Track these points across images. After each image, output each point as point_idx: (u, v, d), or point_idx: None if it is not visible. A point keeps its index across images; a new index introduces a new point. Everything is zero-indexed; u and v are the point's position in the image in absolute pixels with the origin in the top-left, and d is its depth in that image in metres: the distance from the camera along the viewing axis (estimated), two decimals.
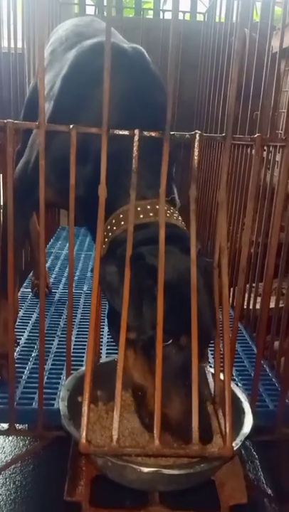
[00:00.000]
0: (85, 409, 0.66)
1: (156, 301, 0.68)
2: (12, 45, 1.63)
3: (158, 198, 0.83)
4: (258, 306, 1.42)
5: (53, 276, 1.81)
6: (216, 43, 2.06)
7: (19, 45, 1.71)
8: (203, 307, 0.76)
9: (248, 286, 1.47)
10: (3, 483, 1.11)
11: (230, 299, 1.39)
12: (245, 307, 1.45)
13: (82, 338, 1.30)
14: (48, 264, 1.92)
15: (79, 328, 1.38)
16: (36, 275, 1.70)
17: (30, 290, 1.65)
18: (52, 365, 1.16)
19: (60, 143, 0.86)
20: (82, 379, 0.86)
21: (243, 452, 1.15)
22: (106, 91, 0.73)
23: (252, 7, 1.73)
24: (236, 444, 0.68)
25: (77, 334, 1.34)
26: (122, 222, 0.86)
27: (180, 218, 0.91)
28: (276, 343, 1.22)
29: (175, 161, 0.98)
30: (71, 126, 0.77)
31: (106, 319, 0.87)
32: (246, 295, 1.46)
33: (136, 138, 0.77)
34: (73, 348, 1.23)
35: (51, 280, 1.75)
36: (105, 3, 0.76)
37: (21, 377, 1.08)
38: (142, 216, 0.85)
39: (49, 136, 0.95)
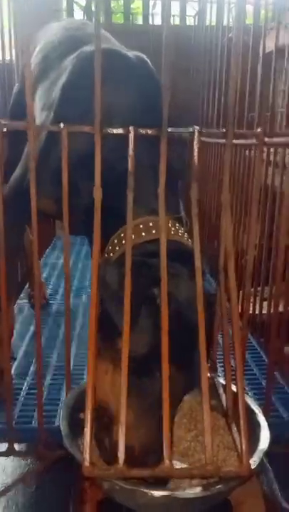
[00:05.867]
0: (87, 428, 0.60)
1: (155, 316, 0.63)
2: (0, 57, 1.60)
3: (170, 213, 0.78)
4: (264, 311, 1.38)
5: (50, 287, 1.76)
6: (208, 46, 2.04)
7: (7, 56, 1.69)
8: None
9: (252, 290, 1.42)
10: (5, 506, 1.05)
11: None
12: (250, 312, 1.40)
13: (83, 349, 1.25)
14: (44, 275, 1.87)
15: (79, 339, 1.33)
16: (32, 286, 1.65)
17: (27, 301, 1.60)
18: (52, 379, 1.10)
19: (60, 153, 0.82)
20: (84, 394, 0.81)
21: None
22: (97, 88, 0.70)
23: (244, 10, 1.71)
24: (254, 461, 0.63)
25: (77, 346, 1.29)
26: (134, 236, 0.78)
27: (189, 239, 0.85)
28: (287, 349, 1.17)
29: (181, 177, 0.93)
30: (61, 125, 0.72)
31: None
32: (251, 299, 1.41)
33: (131, 135, 0.73)
34: (74, 361, 1.18)
35: (48, 291, 1.70)
36: (94, 8, 0.73)
37: (19, 393, 1.03)
38: (154, 232, 0.78)
39: (48, 145, 0.90)
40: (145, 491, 0.59)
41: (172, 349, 0.62)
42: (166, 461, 0.59)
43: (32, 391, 1.04)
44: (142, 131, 0.73)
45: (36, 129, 0.72)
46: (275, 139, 0.81)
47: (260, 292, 1.40)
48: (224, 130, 0.72)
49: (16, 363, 1.17)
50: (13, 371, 1.12)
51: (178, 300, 0.69)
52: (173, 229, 0.79)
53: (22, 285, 1.73)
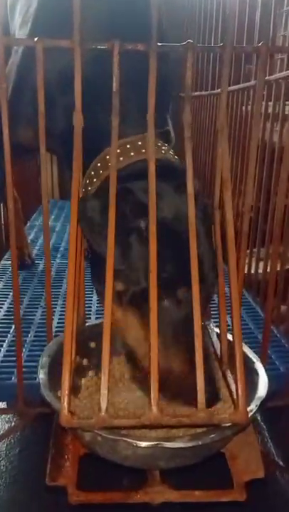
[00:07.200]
0: (65, 374, 0.54)
1: (148, 244, 0.56)
2: None
3: (156, 128, 0.71)
4: (259, 271, 1.32)
5: (37, 247, 1.69)
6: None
7: None
8: (203, 255, 0.64)
9: (248, 251, 1.35)
10: None
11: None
12: (246, 272, 1.34)
13: None
14: (31, 237, 1.80)
15: (65, 298, 1.26)
16: (17, 245, 1.57)
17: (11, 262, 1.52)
18: (35, 336, 1.04)
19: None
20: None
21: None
22: None
23: None
24: (251, 409, 0.56)
25: (62, 305, 1.22)
26: (122, 158, 0.71)
27: (175, 156, 0.78)
28: (283, 307, 1.11)
29: (171, 90, 0.84)
30: (36, 38, 0.63)
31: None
32: (247, 260, 1.34)
33: (116, 51, 0.64)
34: (59, 320, 1.11)
35: (35, 251, 1.63)
36: None
37: None
38: (132, 154, 0.72)
39: (28, 65, 0.81)
40: (130, 441, 0.52)
41: (176, 270, 0.60)
42: (154, 409, 0.52)
43: (12, 348, 0.97)
44: (129, 46, 0.64)
45: (6, 42, 0.63)
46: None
47: (257, 252, 1.34)
48: (221, 44, 0.64)
49: None
50: None
51: (166, 218, 0.63)
52: (164, 148, 0.71)
53: (7, 246, 1.65)
